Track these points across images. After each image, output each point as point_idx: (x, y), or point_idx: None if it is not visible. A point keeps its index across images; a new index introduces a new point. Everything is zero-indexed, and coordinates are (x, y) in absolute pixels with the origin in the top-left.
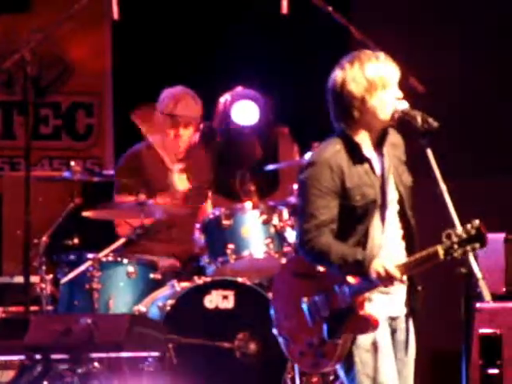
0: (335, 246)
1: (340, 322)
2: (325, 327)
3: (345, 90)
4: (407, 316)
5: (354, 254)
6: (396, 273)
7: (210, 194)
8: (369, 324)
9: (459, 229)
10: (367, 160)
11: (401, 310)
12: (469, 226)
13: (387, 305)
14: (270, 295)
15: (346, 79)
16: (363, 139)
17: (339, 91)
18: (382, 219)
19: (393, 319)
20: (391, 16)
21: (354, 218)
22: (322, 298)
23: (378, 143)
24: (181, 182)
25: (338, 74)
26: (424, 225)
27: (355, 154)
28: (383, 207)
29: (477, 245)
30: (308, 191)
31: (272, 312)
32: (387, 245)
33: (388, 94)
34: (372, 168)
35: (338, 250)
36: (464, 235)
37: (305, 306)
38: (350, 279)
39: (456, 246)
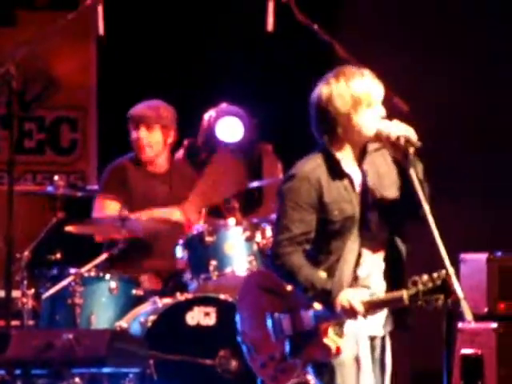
0: (306, 269)
1: (302, 344)
2: (287, 346)
3: (330, 105)
4: (384, 336)
5: (324, 283)
6: (360, 308)
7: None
8: (330, 351)
9: (425, 277)
10: (347, 176)
11: (379, 330)
12: (435, 275)
13: (368, 324)
14: None
15: (332, 95)
16: (345, 155)
17: (324, 106)
18: (361, 236)
19: (372, 338)
20: (377, 35)
21: (331, 233)
22: (287, 317)
23: (361, 159)
24: (176, 217)
25: (323, 90)
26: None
27: (335, 170)
28: (362, 224)
29: (441, 296)
30: (285, 203)
31: (237, 319)
32: (365, 264)
33: (372, 112)
34: (352, 184)
35: (308, 274)
36: (429, 284)
37: (269, 322)
38: (316, 305)
39: (421, 295)
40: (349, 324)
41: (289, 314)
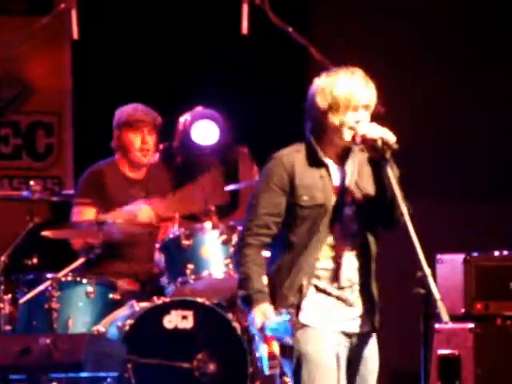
0: (256, 267)
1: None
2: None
3: (313, 99)
4: (368, 333)
5: (257, 289)
6: (258, 324)
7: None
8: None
9: None
10: (324, 165)
11: (359, 327)
12: None
13: (341, 320)
14: (229, 315)
15: (317, 89)
16: (325, 151)
17: (310, 99)
18: (333, 231)
19: (350, 335)
20: (352, 38)
21: (299, 218)
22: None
23: (341, 158)
24: (145, 213)
25: (315, 83)
26: (388, 245)
27: (314, 158)
28: (334, 217)
29: None
30: (258, 185)
31: None
32: (335, 258)
33: (349, 116)
34: (329, 174)
35: (254, 272)
36: None
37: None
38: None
39: None
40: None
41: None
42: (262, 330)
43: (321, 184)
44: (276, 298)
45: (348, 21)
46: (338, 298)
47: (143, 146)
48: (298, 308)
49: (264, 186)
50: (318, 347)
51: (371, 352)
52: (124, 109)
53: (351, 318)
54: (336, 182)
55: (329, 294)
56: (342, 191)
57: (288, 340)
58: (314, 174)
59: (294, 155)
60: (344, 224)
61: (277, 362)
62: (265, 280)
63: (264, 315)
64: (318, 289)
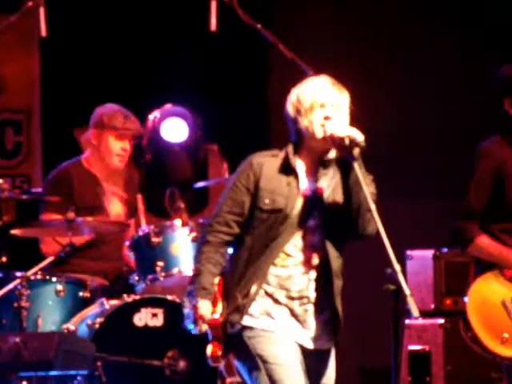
0: (209, 265)
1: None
2: None
3: (286, 110)
4: (323, 351)
5: (206, 282)
6: (200, 322)
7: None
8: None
9: None
10: (294, 173)
11: (314, 344)
12: None
13: (295, 332)
14: None
15: (288, 100)
16: (303, 159)
17: (285, 111)
18: (288, 235)
19: (304, 350)
20: (321, 35)
21: (257, 220)
22: None
23: (317, 170)
24: (114, 206)
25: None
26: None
27: (285, 164)
28: (295, 225)
29: None
30: (228, 184)
31: None
32: (290, 266)
33: (317, 113)
34: (297, 182)
35: (205, 269)
36: None
37: None
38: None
39: None
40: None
41: None
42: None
43: (286, 190)
44: (228, 297)
45: (316, 16)
46: (287, 306)
47: (122, 152)
48: (243, 310)
49: (231, 185)
50: (276, 348)
51: (327, 368)
52: (111, 112)
53: (305, 333)
54: (305, 191)
55: (276, 301)
56: (310, 202)
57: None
58: (282, 180)
59: (266, 159)
60: (305, 235)
61: (220, 360)
62: (215, 279)
63: (200, 309)
64: (266, 293)
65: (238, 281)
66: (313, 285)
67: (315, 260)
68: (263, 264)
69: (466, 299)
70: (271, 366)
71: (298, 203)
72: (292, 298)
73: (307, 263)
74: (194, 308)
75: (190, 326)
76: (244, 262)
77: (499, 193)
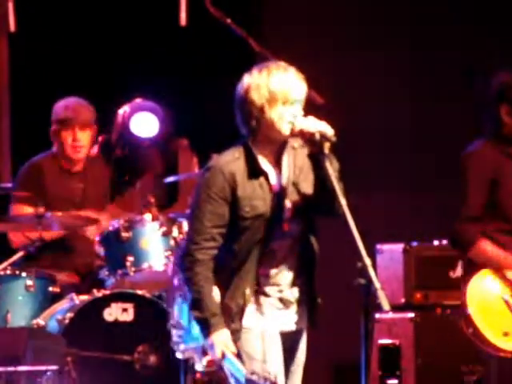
0: (206, 287)
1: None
2: None
3: (247, 96)
4: (302, 329)
5: (213, 312)
6: (219, 354)
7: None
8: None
9: None
10: (263, 173)
11: (295, 324)
12: None
13: (280, 320)
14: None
15: (251, 86)
16: (262, 150)
17: (243, 97)
18: (270, 234)
19: (286, 334)
20: (295, 29)
21: (241, 231)
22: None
23: (278, 156)
24: (85, 199)
25: (245, 80)
26: (328, 236)
27: (252, 166)
28: (274, 222)
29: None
30: (199, 196)
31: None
32: (276, 262)
33: (287, 110)
34: (268, 181)
35: (206, 294)
36: None
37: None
38: None
39: None
40: (255, 321)
41: None
42: (222, 357)
43: (260, 193)
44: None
45: (291, 10)
46: (280, 299)
47: (74, 143)
48: (241, 317)
49: (206, 198)
50: (263, 346)
51: (301, 345)
52: (57, 105)
53: (289, 316)
54: (274, 187)
55: (268, 296)
56: (280, 195)
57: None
58: (254, 183)
59: (233, 164)
60: (285, 227)
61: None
62: (217, 296)
63: (224, 345)
64: (257, 291)
65: (227, 289)
66: (299, 271)
67: (298, 247)
68: (251, 267)
69: (465, 296)
70: (257, 363)
71: (271, 200)
72: (282, 291)
73: (291, 253)
74: (222, 355)
75: (240, 374)
76: (231, 269)
77: (493, 196)
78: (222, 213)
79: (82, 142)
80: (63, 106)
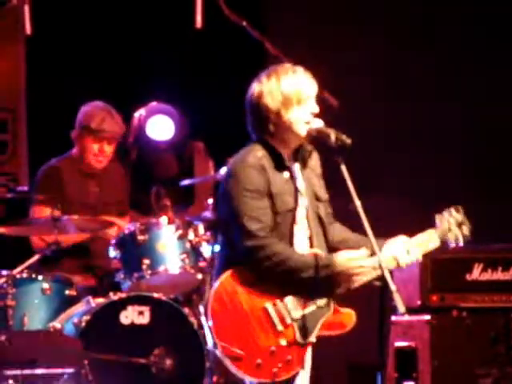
0: (294, 253)
1: (311, 323)
2: (297, 329)
3: (261, 102)
4: None
5: (317, 258)
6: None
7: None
8: (346, 322)
9: (448, 213)
10: (288, 169)
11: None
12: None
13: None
14: (185, 310)
15: (263, 92)
16: (280, 152)
17: (256, 103)
18: (291, 231)
19: None
20: (306, 32)
21: (276, 224)
22: (290, 300)
23: (293, 158)
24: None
25: (255, 87)
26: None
27: (277, 161)
28: (299, 216)
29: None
30: (239, 198)
31: (212, 326)
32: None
33: (303, 110)
34: (292, 177)
35: (300, 257)
36: (457, 216)
37: (272, 311)
38: None
39: (452, 226)
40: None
41: (291, 296)
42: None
43: (288, 188)
44: None
45: (303, 15)
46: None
47: (99, 154)
48: None
49: (248, 195)
50: None
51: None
52: (87, 110)
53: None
54: (299, 183)
55: None
56: (300, 192)
57: None
58: (281, 178)
59: (262, 161)
60: (305, 221)
61: None
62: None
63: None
64: None
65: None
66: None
67: (315, 239)
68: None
69: None
70: None
71: (298, 196)
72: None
73: (310, 244)
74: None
75: None
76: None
77: None
78: (268, 207)
79: (106, 154)
80: (97, 115)
